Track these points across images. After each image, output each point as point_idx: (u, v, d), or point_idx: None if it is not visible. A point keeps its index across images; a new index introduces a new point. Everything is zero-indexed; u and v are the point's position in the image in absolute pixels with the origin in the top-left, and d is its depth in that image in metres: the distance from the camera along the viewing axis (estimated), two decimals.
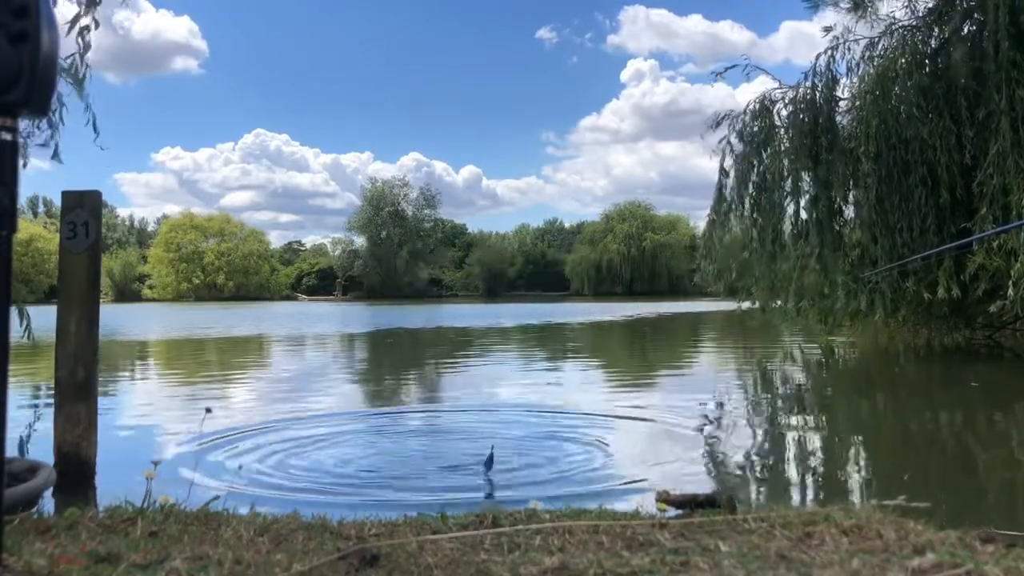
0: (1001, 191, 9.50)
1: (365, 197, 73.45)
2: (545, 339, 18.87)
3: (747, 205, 12.81)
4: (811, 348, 13.95)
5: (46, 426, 4.74)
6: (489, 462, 4.31)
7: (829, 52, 12.16)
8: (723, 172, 13.17)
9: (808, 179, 12.20)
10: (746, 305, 14.38)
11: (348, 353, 15.51)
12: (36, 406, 7.19)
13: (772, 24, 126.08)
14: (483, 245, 78.75)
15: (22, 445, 5.19)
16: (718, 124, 13.05)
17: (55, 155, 5.07)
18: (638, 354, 15.11)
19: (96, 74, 5.18)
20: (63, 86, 4.88)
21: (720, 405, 7.53)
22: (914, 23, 11.71)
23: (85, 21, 4.76)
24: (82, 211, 4.22)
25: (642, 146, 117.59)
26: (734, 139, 12.96)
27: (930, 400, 8.21)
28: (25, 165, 5.11)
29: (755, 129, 12.63)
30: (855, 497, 3.94)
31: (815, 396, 8.58)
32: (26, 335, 5.16)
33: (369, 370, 12.29)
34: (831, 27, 12.21)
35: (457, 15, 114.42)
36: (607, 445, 5.31)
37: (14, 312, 5.33)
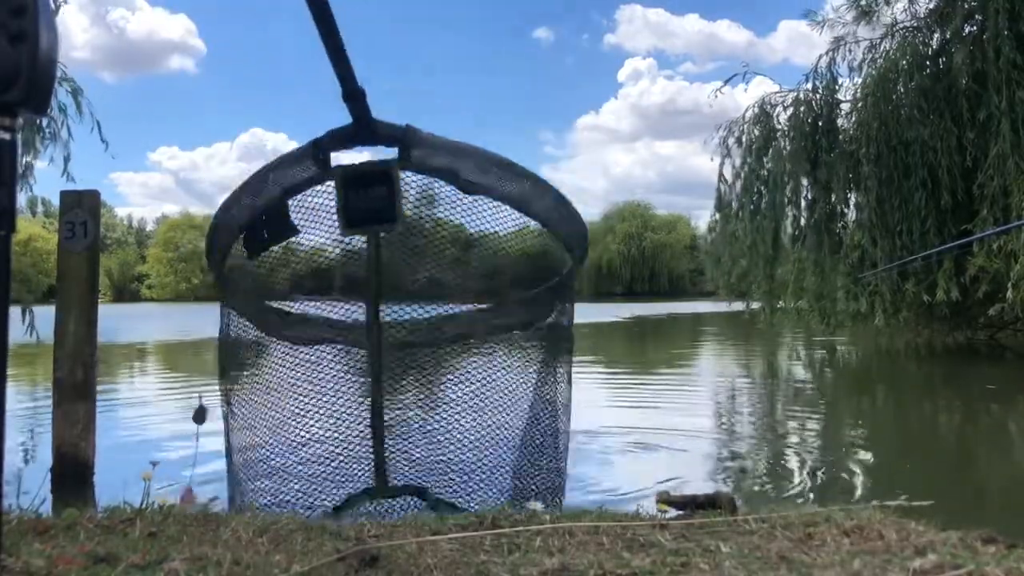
0: (1002, 193, 9.50)
1: None
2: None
3: (747, 209, 12.83)
4: (812, 349, 13.96)
5: (45, 426, 4.74)
6: (199, 415, 3.28)
7: (829, 54, 12.19)
8: (722, 178, 13.22)
9: (807, 182, 12.22)
10: (748, 306, 14.40)
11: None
12: (35, 406, 7.18)
13: (771, 23, 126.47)
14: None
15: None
16: (724, 139, 13.09)
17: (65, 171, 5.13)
18: (638, 354, 15.10)
19: (92, 73, 5.22)
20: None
21: (720, 405, 7.53)
22: (915, 24, 11.71)
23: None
24: (80, 211, 4.21)
25: (640, 146, 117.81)
26: (733, 143, 12.99)
27: (931, 400, 8.22)
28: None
29: (755, 133, 12.64)
30: (856, 497, 3.94)
31: (816, 396, 8.57)
32: (30, 332, 5.15)
33: None
34: (841, 37, 12.22)
35: (454, 15, 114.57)
36: (608, 445, 5.31)
37: (18, 311, 5.34)
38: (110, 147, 6.12)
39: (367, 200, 2.53)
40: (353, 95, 2.27)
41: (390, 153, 2.59)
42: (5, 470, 1.22)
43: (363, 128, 2.46)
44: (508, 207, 2.66)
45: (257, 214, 2.70)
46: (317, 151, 2.59)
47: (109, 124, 6.17)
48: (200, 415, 3.08)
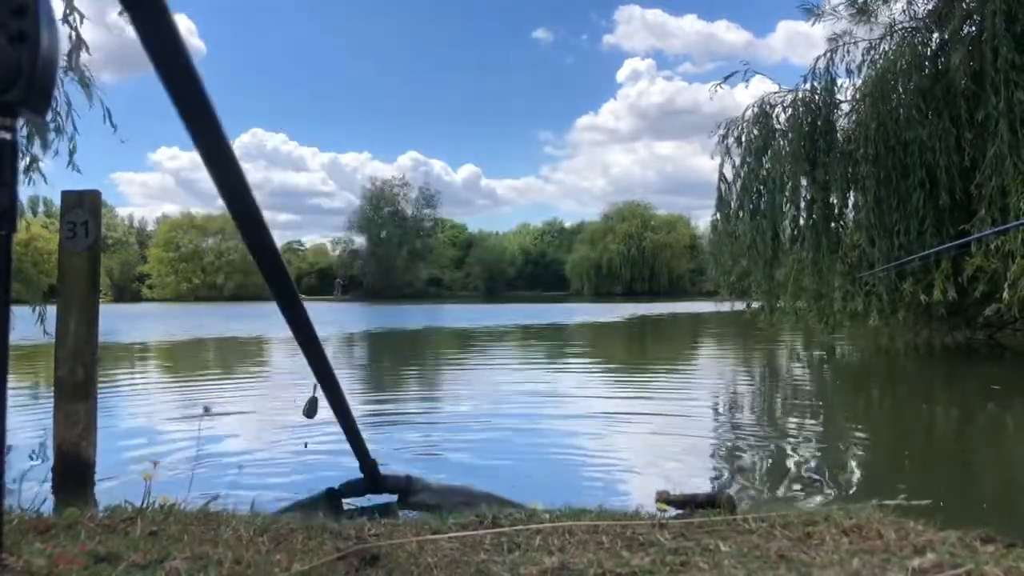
0: (1000, 193, 9.50)
1: (365, 196, 73.47)
2: (550, 338, 18.87)
3: (747, 209, 12.84)
4: (812, 349, 13.96)
5: (45, 426, 4.74)
6: (311, 408, 2.92)
7: (828, 54, 12.19)
8: (722, 178, 13.22)
9: (806, 182, 12.22)
10: (749, 306, 14.41)
11: (348, 353, 15.50)
12: (36, 406, 7.18)
13: (769, 24, 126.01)
14: (483, 245, 78.72)
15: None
16: (724, 138, 13.10)
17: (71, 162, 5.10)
18: (639, 353, 15.11)
19: (92, 73, 5.16)
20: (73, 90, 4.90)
21: (720, 404, 7.53)
22: (914, 25, 11.71)
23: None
24: (82, 211, 4.21)
25: (639, 146, 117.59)
26: (732, 143, 12.99)
27: (930, 399, 8.22)
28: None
29: (755, 134, 12.64)
30: (856, 497, 3.94)
31: (815, 396, 8.58)
32: (42, 327, 5.15)
33: (369, 373, 12.29)
34: (838, 35, 12.22)
35: (454, 15, 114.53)
36: (608, 445, 5.31)
37: (31, 311, 5.33)
38: (116, 142, 6.07)
39: None
40: (367, 466, 2.82)
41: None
42: (6, 469, 1.22)
43: (374, 483, 3.03)
44: None
45: None
46: (332, 499, 3.03)
47: (109, 124, 6.14)
48: (311, 408, 2.84)
